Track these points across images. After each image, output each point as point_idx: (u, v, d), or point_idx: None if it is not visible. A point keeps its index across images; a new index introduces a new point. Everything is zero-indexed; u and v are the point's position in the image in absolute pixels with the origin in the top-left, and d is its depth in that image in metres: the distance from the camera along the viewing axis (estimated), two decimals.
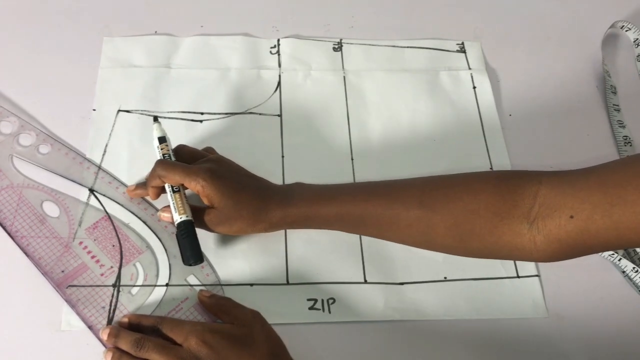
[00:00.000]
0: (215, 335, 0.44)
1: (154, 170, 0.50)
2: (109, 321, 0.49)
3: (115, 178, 0.56)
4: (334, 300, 0.52)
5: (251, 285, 0.52)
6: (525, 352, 0.52)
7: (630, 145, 0.64)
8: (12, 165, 0.55)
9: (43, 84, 0.61)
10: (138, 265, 0.52)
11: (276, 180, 0.58)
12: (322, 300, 0.52)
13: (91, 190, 0.55)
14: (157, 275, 0.52)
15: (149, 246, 0.53)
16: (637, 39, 0.72)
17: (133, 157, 0.58)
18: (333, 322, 0.51)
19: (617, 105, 0.67)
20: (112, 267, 0.51)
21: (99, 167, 0.56)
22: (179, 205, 0.49)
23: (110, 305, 0.50)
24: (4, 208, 0.53)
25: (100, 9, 0.67)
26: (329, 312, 0.52)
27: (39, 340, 0.48)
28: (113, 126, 0.59)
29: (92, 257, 0.52)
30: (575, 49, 0.71)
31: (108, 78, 0.62)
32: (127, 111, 0.60)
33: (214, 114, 0.61)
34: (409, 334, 0.52)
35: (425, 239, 0.49)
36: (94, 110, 0.60)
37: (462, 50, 0.70)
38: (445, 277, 0.54)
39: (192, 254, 0.49)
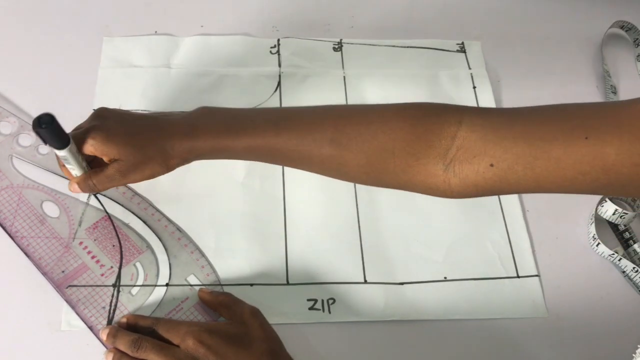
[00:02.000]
0: (212, 335, 0.44)
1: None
2: (109, 321, 0.49)
3: None
4: (334, 300, 0.52)
5: (251, 285, 0.52)
6: (525, 352, 0.52)
7: None
8: (11, 165, 0.55)
9: (43, 84, 0.61)
10: (138, 265, 0.52)
11: (277, 180, 0.58)
12: (322, 300, 0.52)
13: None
14: (158, 275, 0.52)
15: (149, 246, 0.53)
16: (637, 39, 0.72)
17: None
18: (333, 322, 0.51)
19: None
20: (112, 267, 0.51)
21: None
22: (75, 163, 0.47)
23: (111, 305, 0.50)
24: (4, 208, 0.53)
25: (100, 9, 0.67)
26: (329, 312, 0.52)
27: (39, 340, 0.48)
28: None
29: (92, 257, 0.52)
30: (575, 49, 0.71)
31: (108, 78, 0.62)
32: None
33: None
34: (409, 334, 0.52)
35: (338, 174, 0.48)
36: (94, 110, 0.60)
37: (462, 50, 0.70)
38: (445, 277, 0.54)
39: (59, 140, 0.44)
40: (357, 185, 0.58)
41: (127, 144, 0.46)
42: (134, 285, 0.51)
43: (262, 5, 0.70)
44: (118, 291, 0.50)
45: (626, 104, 0.37)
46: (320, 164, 0.47)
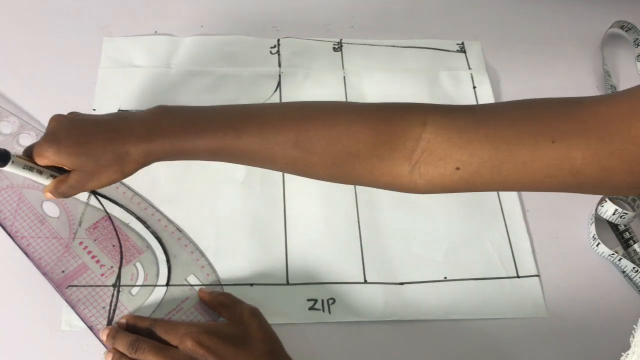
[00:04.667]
0: (211, 336, 0.44)
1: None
2: (109, 321, 0.49)
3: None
4: (334, 300, 0.52)
5: (251, 285, 0.52)
6: (525, 352, 0.52)
7: None
8: None
9: (43, 84, 0.61)
10: (138, 265, 0.52)
11: (277, 180, 0.58)
12: (322, 300, 0.52)
13: (91, 191, 0.55)
14: (157, 275, 0.52)
15: (149, 246, 0.53)
16: (637, 39, 0.72)
17: None
18: (333, 322, 0.51)
19: None
20: (112, 267, 0.51)
21: None
22: (35, 174, 0.46)
23: (110, 305, 0.50)
24: (4, 208, 0.53)
25: (100, 9, 0.67)
26: (329, 312, 0.52)
27: (39, 340, 0.48)
28: None
29: (93, 257, 0.52)
30: (575, 49, 0.71)
31: (108, 78, 0.62)
32: (127, 111, 0.60)
33: None
34: (409, 334, 0.52)
35: (305, 174, 0.47)
36: (94, 110, 0.60)
37: (462, 50, 0.70)
38: (445, 277, 0.54)
39: None
40: (357, 186, 0.58)
41: (79, 154, 0.45)
42: (134, 285, 0.51)
43: (262, 5, 0.70)
44: (118, 291, 0.50)
45: (592, 103, 0.37)
46: (285, 165, 0.46)
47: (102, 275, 0.51)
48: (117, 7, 0.68)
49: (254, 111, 0.47)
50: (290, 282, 0.53)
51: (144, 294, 0.51)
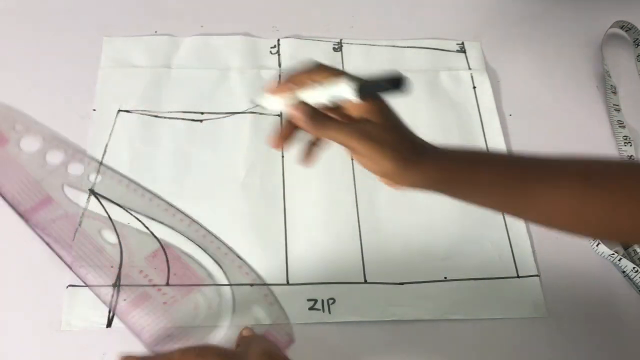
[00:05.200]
0: (204, 352, 0.39)
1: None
2: (109, 321, 0.49)
3: (171, 205, 0.55)
4: (334, 300, 0.52)
5: (251, 285, 0.52)
6: (525, 352, 0.52)
7: (630, 145, 0.64)
8: (64, 194, 0.54)
9: (43, 84, 0.61)
10: (199, 295, 0.51)
11: (277, 179, 0.58)
12: (322, 300, 0.52)
13: (149, 218, 0.54)
14: (220, 304, 0.51)
15: (210, 275, 0.52)
16: (637, 39, 0.72)
17: (133, 157, 0.58)
18: (333, 322, 0.51)
19: (617, 105, 0.67)
20: (174, 296, 0.51)
21: (154, 194, 0.55)
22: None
23: (110, 305, 0.50)
24: (60, 238, 0.52)
25: (100, 9, 0.67)
26: (329, 312, 0.52)
27: (39, 340, 0.48)
28: (113, 126, 0.59)
29: (153, 285, 0.51)
30: (575, 49, 0.71)
31: (108, 78, 0.62)
32: (127, 111, 0.60)
33: (214, 113, 0.61)
34: (409, 334, 0.52)
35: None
36: (94, 110, 0.60)
37: (462, 50, 0.70)
38: (445, 277, 0.54)
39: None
40: (357, 185, 0.58)
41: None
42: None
43: (262, 5, 0.70)
44: (118, 291, 0.50)
45: None
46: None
47: (165, 303, 0.50)
48: (117, 7, 0.68)
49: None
50: (290, 282, 0.53)
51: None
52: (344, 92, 0.39)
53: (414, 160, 0.41)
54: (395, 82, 0.37)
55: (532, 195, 0.40)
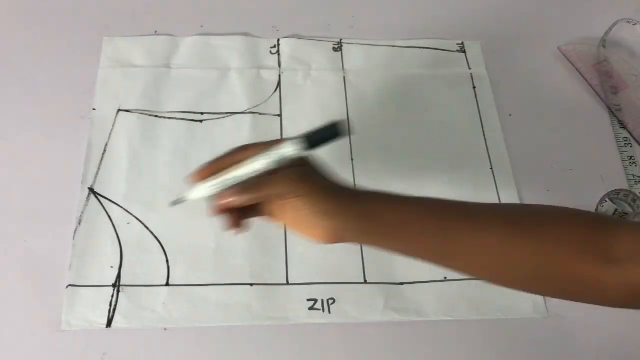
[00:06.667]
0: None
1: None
2: (109, 321, 0.49)
3: None
4: (334, 300, 0.52)
5: (251, 285, 0.52)
6: (525, 352, 0.52)
7: (630, 146, 0.64)
8: None
9: (43, 84, 0.61)
10: None
11: None
12: (322, 300, 0.52)
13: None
14: None
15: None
16: (637, 39, 0.72)
17: (133, 157, 0.58)
18: (333, 322, 0.51)
19: (618, 105, 0.67)
20: None
21: None
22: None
23: (110, 305, 0.50)
24: None
25: (100, 9, 0.67)
26: (329, 312, 0.52)
27: (39, 340, 0.48)
28: (113, 126, 0.59)
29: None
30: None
31: (108, 78, 0.62)
32: (127, 111, 0.60)
33: (214, 113, 0.61)
34: (409, 334, 0.52)
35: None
36: (94, 110, 0.60)
37: (462, 50, 0.70)
38: (445, 277, 0.54)
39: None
40: (357, 185, 0.58)
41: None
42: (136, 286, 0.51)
43: (262, 5, 0.70)
44: (118, 291, 0.50)
45: None
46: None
47: None
48: (117, 7, 0.68)
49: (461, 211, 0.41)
50: (290, 282, 0.53)
51: None
52: (287, 152, 0.40)
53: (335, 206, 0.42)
54: (334, 129, 0.40)
55: (459, 242, 0.39)
